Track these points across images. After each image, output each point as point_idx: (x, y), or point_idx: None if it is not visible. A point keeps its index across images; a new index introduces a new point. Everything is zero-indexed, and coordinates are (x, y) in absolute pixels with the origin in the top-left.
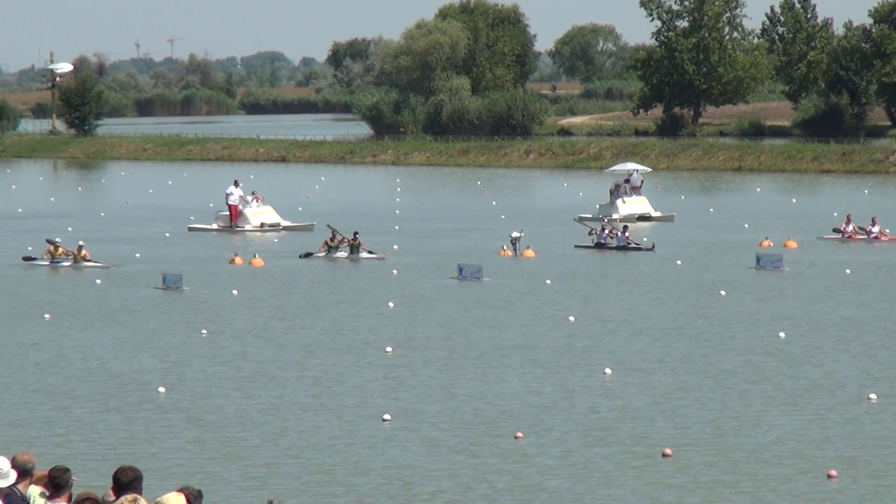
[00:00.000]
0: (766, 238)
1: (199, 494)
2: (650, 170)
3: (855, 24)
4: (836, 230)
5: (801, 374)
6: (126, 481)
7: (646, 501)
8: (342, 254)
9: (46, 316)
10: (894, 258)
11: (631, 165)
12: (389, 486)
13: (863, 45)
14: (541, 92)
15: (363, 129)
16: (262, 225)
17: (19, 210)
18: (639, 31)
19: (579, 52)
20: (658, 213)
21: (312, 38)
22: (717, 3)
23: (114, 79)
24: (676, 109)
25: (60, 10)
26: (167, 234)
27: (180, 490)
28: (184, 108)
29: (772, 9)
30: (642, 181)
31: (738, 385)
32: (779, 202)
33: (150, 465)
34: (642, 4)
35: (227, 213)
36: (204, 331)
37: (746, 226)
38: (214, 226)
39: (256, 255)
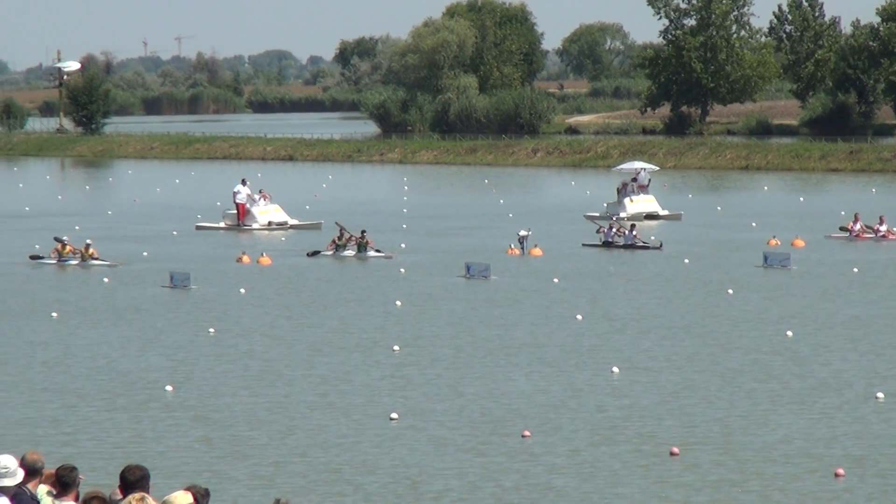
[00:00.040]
0: (774, 237)
1: (207, 493)
2: (658, 168)
3: (862, 22)
4: (843, 229)
5: (808, 372)
6: (133, 480)
7: (653, 500)
8: (350, 252)
9: (54, 314)
10: None
11: (638, 164)
12: (397, 484)
13: (870, 43)
14: (548, 90)
15: (370, 128)
16: (270, 223)
17: (26, 208)
18: (646, 29)
19: (587, 50)
20: (665, 212)
21: (320, 36)
22: (724, 1)
23: (121, 77)
24: (684, 108)
25: (68, 8)
26: (175, 233)
27: (188, 488)
28: (191, 107)
29: (779, 7)
30: (650, 180)
31: (745, 384)
32: (786, 201)
33: (158, 464)
34: (650, 3)
35: (235, 211)
36: (211, 329)
37: (754, 224)
38: (222, 224)
39: (264, 254)
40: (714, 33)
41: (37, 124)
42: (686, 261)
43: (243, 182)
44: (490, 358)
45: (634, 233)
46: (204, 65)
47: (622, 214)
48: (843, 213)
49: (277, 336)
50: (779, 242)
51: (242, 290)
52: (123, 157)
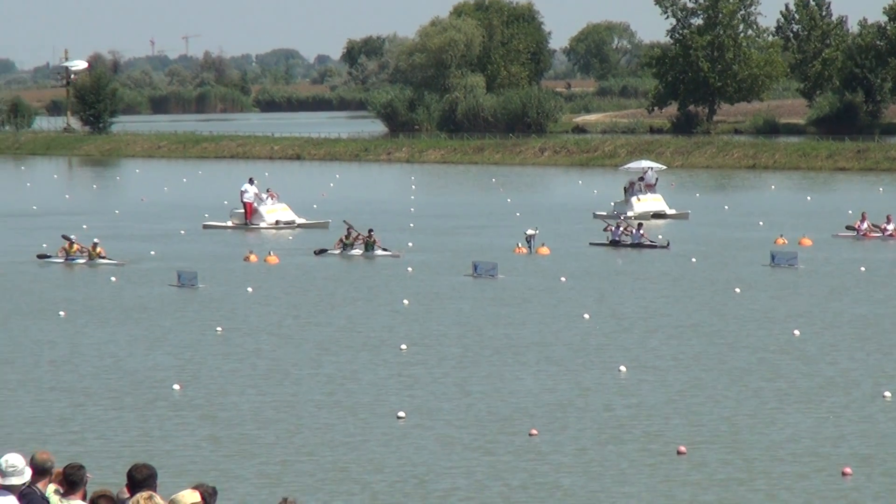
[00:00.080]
0: (781, 236)
1: (214, 492)
2: (665, 167)
3: (870, 21)
4: (850, 228)
5: (815, 371)
6: (141, 479)
7: (660, 499)
8: (357, 251)
9: (61, 313)
10: None
11: (646, 163)
12: (404, 483)
13: (878, 42)
14: (555, 89)
15: (378, 127)
16: (277, 222)
17: (34, 207)
18: (654, 28)
19: (594, 49)
20: (673, 211)
21: (327, 35)
22: (731, 0)
23: (128, 76)
24: (691, 107)
25: (75, 7)
26: (182, 232)
27: (195, 487)
28: (198, 106)
29: (787, 6)
30: (657, 179)
31: (752, 383)
32: (793, 200)
33: (165, 463)
34: (657, 2)
35: (242, 210)
36: (219, 328)
37: (761, 223)
38: (229, 223)
39: (271, 253)
40: (721, 32)
41: (44, 123)
42: (693, 260)
43: (251, 181)
44: (497, 357)
45: (642, 232)
46: (211, 64)
47: (629, 213)
48: (850, 212)
49: (285, 335)
50: (786, 241)
51: (250, 289)
52: (131, 156)
